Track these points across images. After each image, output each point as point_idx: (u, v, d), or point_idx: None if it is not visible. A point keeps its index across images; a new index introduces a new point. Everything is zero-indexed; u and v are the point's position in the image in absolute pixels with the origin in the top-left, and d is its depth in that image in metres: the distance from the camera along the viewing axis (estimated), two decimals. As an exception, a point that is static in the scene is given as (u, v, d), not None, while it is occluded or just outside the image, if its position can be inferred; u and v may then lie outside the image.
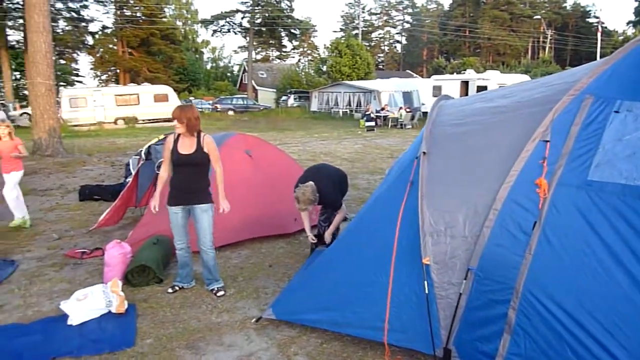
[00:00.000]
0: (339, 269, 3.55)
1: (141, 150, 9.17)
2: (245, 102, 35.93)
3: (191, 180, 4.09)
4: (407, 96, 28.41)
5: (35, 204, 8.15)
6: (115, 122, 26.47)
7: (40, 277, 4.88)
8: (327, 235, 4.82)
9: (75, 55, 44.58)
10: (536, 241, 2.75)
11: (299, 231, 5.97)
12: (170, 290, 4.36)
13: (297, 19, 49.65)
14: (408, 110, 23.60)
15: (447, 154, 3.36)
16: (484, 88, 22.10)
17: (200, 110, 36.78)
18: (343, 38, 43.02)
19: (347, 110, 30.12)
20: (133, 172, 9.06)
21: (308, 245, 5.47)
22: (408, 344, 3.15)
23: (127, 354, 3.40)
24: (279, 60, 62.28)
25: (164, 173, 4.20)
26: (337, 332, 3.49)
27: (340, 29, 66.36)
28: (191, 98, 41.82)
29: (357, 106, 29.59)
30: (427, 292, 3.00)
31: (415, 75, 48.33)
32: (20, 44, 39.78)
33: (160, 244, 4.96)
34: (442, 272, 3.00)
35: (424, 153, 3.31)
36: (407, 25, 66.76)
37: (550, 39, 55.08)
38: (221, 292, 4.31)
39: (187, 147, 4.05)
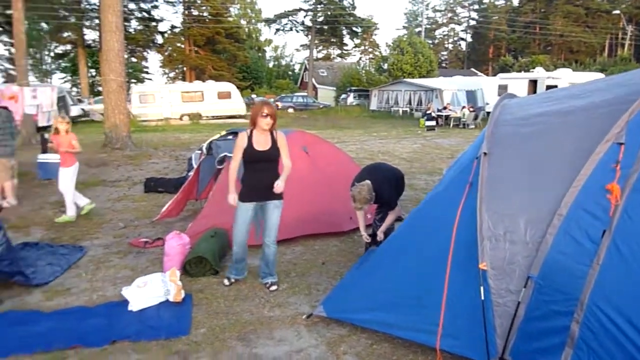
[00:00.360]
0: (391, 269, 3.49)
1: (203, 146, 9.50)
2: (305, 100, 36.29)
3: (266, 176, 4.11)
4: (471, 95, 27.55)
5: (105, 194, 8.63)
6: (180, 118, 27.54)
7: (106, 263, 5.15)
8: (380, 234, 4.75)
9: (145, 53, 46.82)
10: (605, 251, 2.57)
11: (354, 230, 5.93)
12: (226, 282, 4.45)
13: (359, 17, 49.40)
14: (471, 109, 22.87)
15: (510, 155, 3.21)
16: (554, 87, 21.03)
17: (262, 107, 37.56)
18: (405, 36, 42.38)
19: (407, 109, 29.67)
20: (195, 166, 9.41)
21: (362, 244, 5.42)
22: (461, 351, 3.04)
23: (182, 341, 3.51)
24: (340, 59, 62.30)
25: (234, 171, 4.20)
26: (388, 334, 3.43)
27: (403, 26, 65.53)
28: (253, 95, 42.76)
29: (417, 105, 29.09)
30: (483, 298, 2.88)
31: (479, 73, 46.84)
32: (96, 43, 42.34)
33: (218, 237, 5.09)
34: (499, 278, 2.87)
35: (485, 153, 3.17)
36: (472, 22, 64.77)
37: (631, 36, 51.50)
38: (274, 287, 4.35)
39: (262, 143, 4.09)
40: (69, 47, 43.84)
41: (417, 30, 49.80)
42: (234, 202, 4.18)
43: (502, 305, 2.85)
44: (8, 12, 27.27)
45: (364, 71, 45.12)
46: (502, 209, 2.96)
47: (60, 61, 49.74)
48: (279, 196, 4.20)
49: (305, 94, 41.32)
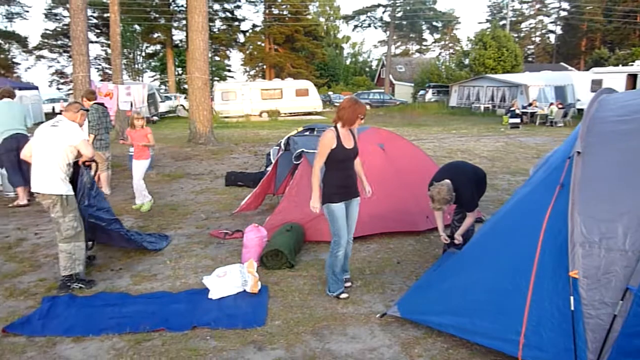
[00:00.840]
0: (471, 273, 3.35)
1: (281, 141, 9.70)
2: (381, 97, 36.00)
3: (352, 173, 4.12)
4: (560, 91, 25.84)
5: (188, 186, 9.07)
6: (260, 115, 28.35)
7: (188, 252, 5.41)
8: (457, 236, 4.58)
9: (228, 52, 48.71)
10: None
11: (430, 230, 5.78)
12: (344, 296, 4.13)
13: (440, 11, 48.16)
14: (560, 106, 21.46)
15: (607, 154, 2.95)
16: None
17: (337, 104, 37.76)
18: (489, 29, 40.64)
19: (490, 105, 28.44)
20: (272, 162, 9.63)
21: (438, 244, 5.28)
22: (547, 363, 2.85)
23: (257, 332, 3.60)
24: (418, 54, 61.13)
25: (319, 172, 4.05)
26: (465, 339, 3.29)
27: (486, 19, 62.78)
28: (330, 93, 43.07)
29: (500, 101, 27.80)
30: (572, 308, 2.68)
31: (570, 68, 43.85)
32: (183, 43, 44.71)
33: (294, 231, 5.17)
34: (593, 288, 2.65)
35: (579, 152, 2.94)
36: (563, 13, 60.74)
37: None
38: (348, 283, 4.33)
39: (348, 141, 4.02)
40: (158, 47, 46.66)
41: (501, 23, 47.53)
42: (316, 210, 4.01)
43: (595, 318, 2.64)
44: (105, 15, 29.48)
45: (443, 66, 43.87)
46: (598, 214, 2.73)
47: (151, 60, 53.09)
48: (358, 192, 4.19)
49: (382, 90, 40.96)
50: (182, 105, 29.83)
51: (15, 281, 4.63)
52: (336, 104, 37.79)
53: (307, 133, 9.10)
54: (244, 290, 4.20)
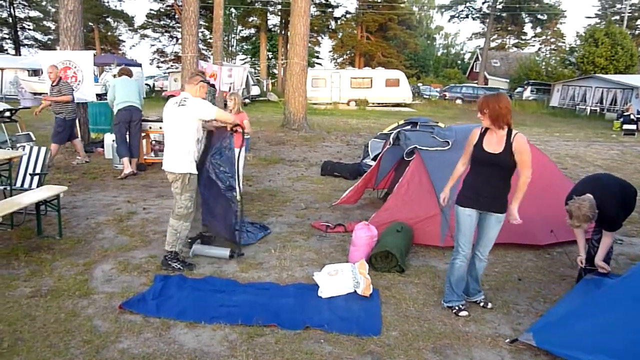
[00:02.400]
0: (631, 311, 2.86)
1: (383, 134, 9.37)
2: (475, 92, 34.31)
3: (493, 184, 3.59)
4: (682, 97, 23.19)
5: (284, 172, 9.02)
6: (347, 103, 28.13)
7: (291, 242, 5.27)
8: (600, 262, 4.00)
9: (319, 38, 48.69)
10: None
11: (551, 245, 5.23)
12: (464, 314, 3.75)
13: (546, 3, 44.97)
14: (682, 114, 19.21)
15: None
16: None
17: (427, 97, 36.71)
18: (600, 24, 37.35)
19: (597, 108, 26.17)
20: (371, 155, 9.34)
21: (563, 262, 4.79)
22: None
23: (374, 341, 3.35)
24: (515, 49, 57.68)
25: (461, 167, 3.83)
26: (621, 385, 2.83)
27: (595, 14, 57.85)
28: (419, 84, 41.90)
29: (610, 104, 25.48)
30: None
31: (693, 71, 39.28)
32: (276, 27, 45.40)
33: (404, 233, 4.86)
34: None
35: None
36: (689, 10, 54.37)
37: None
38: (490, 305, 3.92)
39: (493, 144, 3.54)
40: (252, 30, 47.71)
41: (613, 18, 43.50)
42: (443, 202, 3.90)
43: None
44: (209, -1, 30.44)
45: (544, 63, 41.06)
46: None
47: (243, 44, 54.51)
48: (504, 209, 3.66)
49: (476, 84, 39.11)
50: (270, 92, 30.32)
51: (129, 255, 4.73)
52: (425, 96, 36.72)
53: (409, 127, 8.71)
54: (355, 292, 3.97)
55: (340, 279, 3.96)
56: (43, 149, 5.89)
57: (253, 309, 3.71)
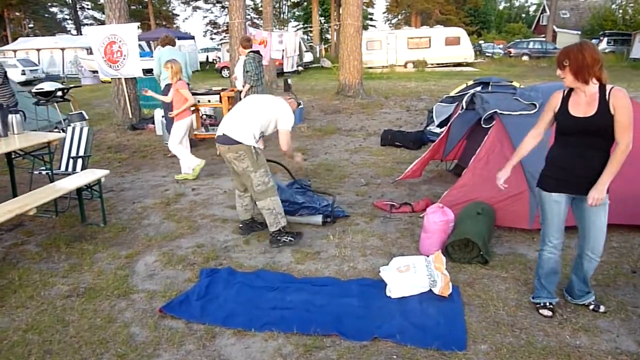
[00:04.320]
0: None
1: (450, 97, 8.44)
2: (544, 47, 31.68)
3: (588, 156, 2.78)
4: None
5: (341, 143, 8.37)
6: (405, 66, 26.78)
7: (352, 226, 4.67)
8: None
9: (373, -1, 46.75)
10: None
11: (668, 225, 4.30)
12: (546, 313, 3.10)
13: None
14: None
15: None
16: None
17: (490, 55, 34.36)
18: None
19: (688, 57, 23.32)
20: (436, 121, 8.47)
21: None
22: None
23: (459, 357, 2.70)
24: (587, -3, 52.86)
25: (531, 140, 3.02)
26: None
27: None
28: (481, 41, 39.38)
29: None
30: None
31: None
32: (329, -9, 43.85)
33: (485, 216, 4.10)
34: None
35: None
36: None
37: None
38: (602, 308, 3.16)
39: (583, 106, 2.75)
40: (304, -5, 46.48)
41: None
42: (500, 181, 3.15)
43: None
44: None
45: (621, 11, 37.22)
46: None
47: (295, 10, 53.40)
48: (606, 189, 2.80)
49: (544, 38, 36.13)
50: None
51: (174, 245, 4.30)
52: (488, 54, 34.41)
53: (479, 88, 7.75)
54: (430, 291, 3.32)
55: (413, 276, 3.31)
56: (86, 130, 5.55)
57: (310, 312, 3.16)
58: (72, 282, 3.66)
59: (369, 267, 3.81)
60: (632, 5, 37.62)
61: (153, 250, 4.21)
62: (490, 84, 7.62)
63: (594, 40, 32.97)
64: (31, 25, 46.24)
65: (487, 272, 3.67)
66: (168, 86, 7.48)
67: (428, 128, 8.54)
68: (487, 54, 34.66)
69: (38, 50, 26.82)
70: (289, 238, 4.20)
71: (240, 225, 4.55)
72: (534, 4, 57.44)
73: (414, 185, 5.88)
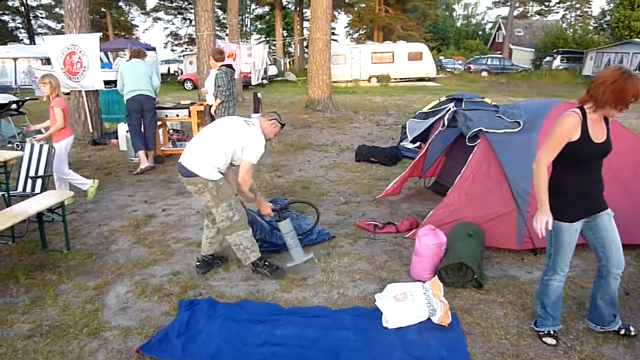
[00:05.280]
0: None
1: (423, 113, 8.40)
2: (501, 63, 32.74)
3: (599, 179, 2.82)
4: None
5: (314, 159, 8.18)
6: (369, 80, 26.99)
7: (337, 248, 4.47)
8: None
9: (336, 13, 47.13)
10: None
11: (652, 243, 4.31)
12: (551, 342, 2.96)
13: (573, -34, 42.53)
14: None
15: None
16: None
17: (450, 70, 35.19)
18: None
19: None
20: (410, 137, 8.39)
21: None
22: None
23: (468, 396, 2.53)
24: (539, 16, 55.18)
25: (546, 168, 2.73)
26: None
27: (626, -25, 54.76)
28: (441, 57, 40.32)
29: (651, 71, 23.86)
30: None
31: None
32: (290, 4, 44.00)
33: (477, 237, 3.99)
34: None
35: None
36: None
37: None
38: (633, 330, 3.04)
39: (599, 131, 2.71)
40: (266, 8, 46.42)
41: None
42: (541, 229, 2.69)
43: None
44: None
45: (571, 30, 39.04)
46: None
47: (257, 23, 53.25)
48: (605, 203, 2.85)
49: (500, 55, 37.37)
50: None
51: (147, 273, 3.97)
52: (449, 70, 35.22)
53: (451, 105, 7.75)
54: (428, 319, 3.15)
55: (411, 305, 3.14)
56: (46, 147, 5.15)
57: (304, 348, 2.93)
58: (34, 319, 3.29)
59: (360, 294, 3.61)
60: (580, 25, 39.56)
61: (124, 279, 3.87)
62: (464, 100, 7.63)
63: (548, 58, 34.39)
64: (-21, 34, 44.08)
65: (483, 297, 3.54)
66: (130, 100, 7.12)
67: (402, 143, 8.48)
68: (447, 69, 35.49)
69: (-12, 59, 25.44)
70: (265, 271, 3.83)
71: (198, 262, 4.02)
72: (490, 22, 59.60)
73: (394, 204, 5.75)
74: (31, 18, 44.86)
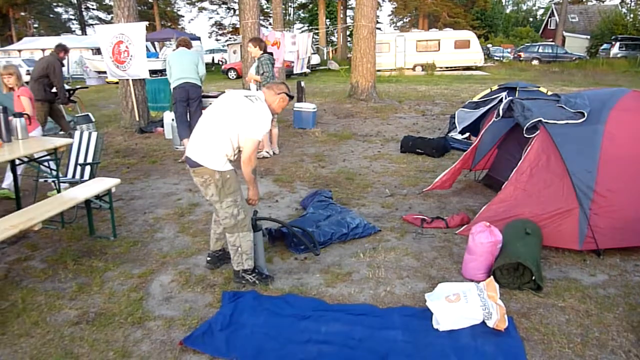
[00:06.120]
0: None
1: (473, 102, 8.07)
2: (554, 51, 31.25)
3: None
4: None
5: (358, 149, 8.00)
6: (413, 69, 26.39)
7: (383, 242, 4.30)
8: None
9: (379, 1, 46.40)
10: None
11: None
12: None
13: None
14: None
15: None
16: None
17: (498, 58, 33.94)
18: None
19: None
20: (458, 127, 8.10)
21: None
22: None
23: (529, 409, 2.34)
24: (595, 1, 52.43)
25: None
26: None
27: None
28: (489, 45, 38.98)
29: None
30: None
31: None
32: (335, -8, 43.50)
33: (535, 236, 3.73)
34: None
35: None
36: None
37: None
38: None
39: None
40: (310, -3, 46.16)
41: None
42: None
43: None
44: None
45: (631, 15, 36.79)
46: None
47: (300, 12, 53.08)
48: None
49: (553, 43, 35.70)
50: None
51: (191, 262, 3.94)
52: (497, 58, 34.01)
53: (504, 94, 7.39)
54: (483, 322, 2.95)
55: (465, 307, 2.95)
56: (94, 135, 5.21)
57: (351, 349, 2.80)
58: (80, 305, 3.30)
59: (407, 292, 3.45)
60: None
61: (168, 268, 3.85)
62: (518, 89, 7.27)
63: (604, 45, 32.61)
64: (36, 25, 46.01)
65: (542, 300, 3.30)
66: (177, 88, 7.15)
67: (450, 134, 8.18)
68: (495, 58, 34.26)
69: (43, 50, 26.49)
70: (253, 279, 3.52)
71: (209, 257, 3.84)
72: (542, 7, 57.09)
73: (443, 197, 5.52)
74: (83, 10, 46.39)
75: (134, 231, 4.63)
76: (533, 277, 3.38)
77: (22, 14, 42.51)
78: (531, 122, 4.37)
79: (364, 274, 3.73)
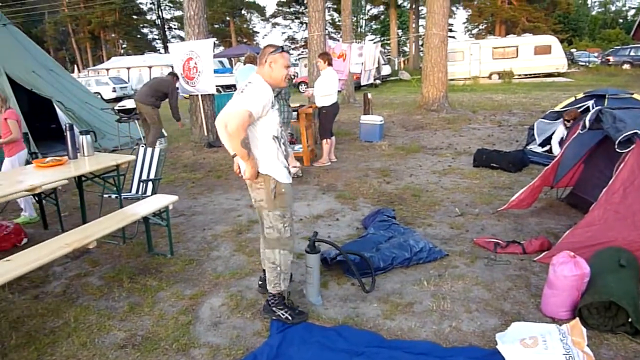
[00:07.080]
0: None
1: (555, 112, 7.42)
2: (649, 53, 28.67)
3: None
4: None
5: (427, 163, 7.58)
6: (489, 77, 25.28)
7: (450, 268, 3.91)
8: None
9: (454, 8, 45.19)
10: None
11: None
12: None
13: None
14: None
15: None
16: None
17: (584, 64, 31.69)
18: None
19: None
20: (538, 139, 7.48)
21: None
22: None
23: None
24: (697, -2, 47.76)
25: None
26: None
27: None
28: (573, 50, 36.62)
29: None
30: None
31: None
32: (406, 2, 43.00)
33: (631, 268, 3.19)
34: None
35: None
36: None
37: None
38: None
39: None
40: (381, 8, 45.97)
41: None
42: None
43: None
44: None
45: None
46: None
47: (372, 23, 52.99)
48: None
49: (647, 45, 32.78)
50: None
51: (243, 285, 3.78)
52: (582, 63, 31.83)
53: (590, 103, 6.69)
54: (565, 373, 2.51)
55: (544, 354, 2.52)
56: (157, 150, 5.25)
57: (407, 395, 2.47)
58: (129, 327, 3.23)
59: (476, 329, 3.05)
60: None
61: (220, 290, 3.71)
62: (607, 96, 6.56)
63: None
64: (124, 46, 49.49)
65: (638, 346, 2.77)
66: None
67: (528, 147, 7.54)
68: (580, 63, 32.05)
69: (128, 68, 28.37)
70: (285, 315, 3.22)
71: (260, 281, 3.61)
72: (633, 8, 52.83)
73: (520, 218, 5.00)
74: (166, 29, 49.30)
75: (191, 248, 4.57)
76: (629, 319, 2.86)
77: (112, 35, 45.90)
78: (625, 135, 3.81)
79: (427, 306, 3.37)
